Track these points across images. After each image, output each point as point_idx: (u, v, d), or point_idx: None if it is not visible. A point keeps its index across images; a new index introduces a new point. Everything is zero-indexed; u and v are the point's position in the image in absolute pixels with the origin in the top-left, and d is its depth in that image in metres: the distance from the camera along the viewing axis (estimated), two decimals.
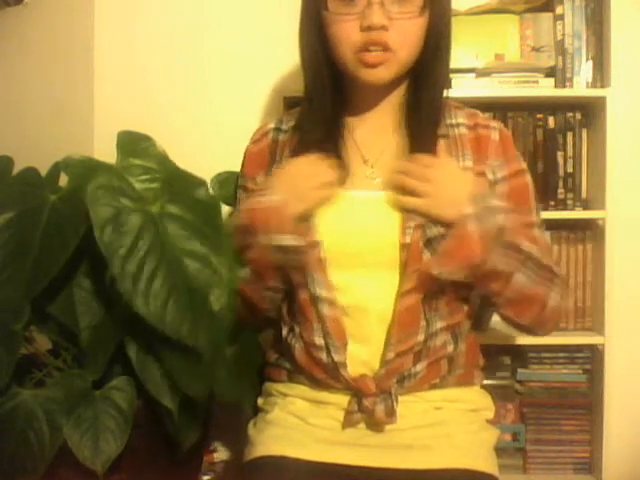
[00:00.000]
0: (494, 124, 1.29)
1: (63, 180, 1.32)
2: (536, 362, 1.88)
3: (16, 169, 1.32)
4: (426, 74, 1.24)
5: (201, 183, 1.28)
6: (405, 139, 1.26)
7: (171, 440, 1.27)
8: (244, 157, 1.37)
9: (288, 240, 1.17)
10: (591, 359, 1.87)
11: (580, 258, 1.89)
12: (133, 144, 1.34)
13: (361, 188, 1.24)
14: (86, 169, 1.24)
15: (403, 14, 1.17)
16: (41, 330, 1.30)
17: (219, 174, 1.52)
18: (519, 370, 1.89)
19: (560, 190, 1.87)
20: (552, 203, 1.87)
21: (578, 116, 1.87)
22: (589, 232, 1.89)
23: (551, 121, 1.88)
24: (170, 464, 1.30)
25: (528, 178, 1.29)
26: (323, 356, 1.20)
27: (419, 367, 1.21)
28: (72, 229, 1.20)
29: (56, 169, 1.32)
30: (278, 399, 1.29)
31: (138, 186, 1.25)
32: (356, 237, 1.19)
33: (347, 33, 1.18)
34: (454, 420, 1.23)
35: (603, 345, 1.81)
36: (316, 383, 1.24)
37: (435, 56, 1.23)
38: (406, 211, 1.17)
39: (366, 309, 1.20)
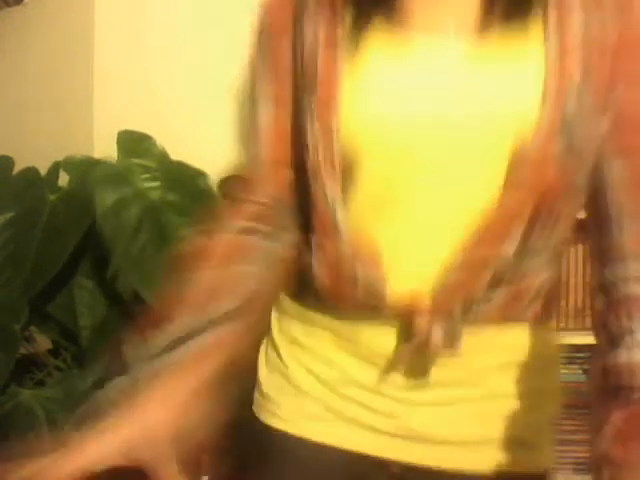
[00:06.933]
0: None
1: (63, 180, 1.32)
2: None
3: (16, 169, 1.32)
4: None
5: (201, 174, 1.30)
6: None
7: None
8: (261, 14, 0.86)
9: None
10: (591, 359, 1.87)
11: (580, 258, 1.89)
12: (133, 143, 1.34)
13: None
14: (86, 168, 1.24)
15: None
16: (41, 330, 1.30)
17: (228, 177, 1.52)
18: None
19: None
20: None
21: None
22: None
23: None
24: None
25: None
26: (353, 269, 0.79)
27: (498, 293, 0.79)
28: (72, 229, 1.20)
29: (56, 169, 1.33)
30: (296, 334, 0.84)
31: (140, 185, 1.26)
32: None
33: None
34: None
35: None
36: (346, 313, 0.81)
37: None
38: None
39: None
